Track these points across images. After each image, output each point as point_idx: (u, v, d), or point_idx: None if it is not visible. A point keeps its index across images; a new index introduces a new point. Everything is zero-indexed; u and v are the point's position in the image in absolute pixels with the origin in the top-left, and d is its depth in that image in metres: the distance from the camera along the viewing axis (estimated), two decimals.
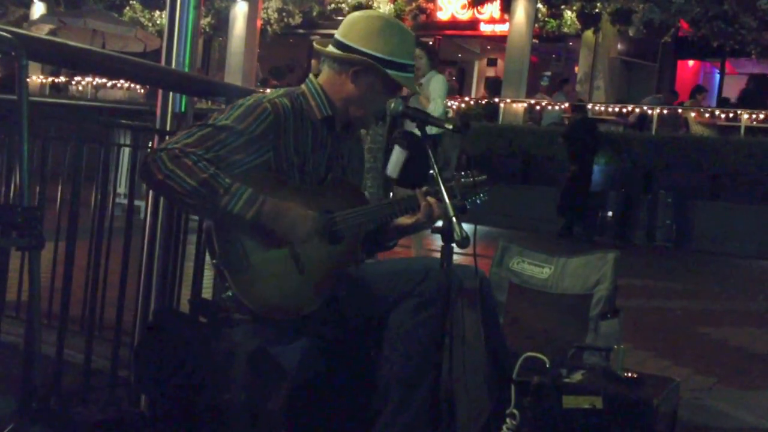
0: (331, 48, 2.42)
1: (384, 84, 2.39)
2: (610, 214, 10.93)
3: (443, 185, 2.12)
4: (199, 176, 2.12)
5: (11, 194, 2.29)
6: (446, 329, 2.08)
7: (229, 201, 2.13)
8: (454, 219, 2.01)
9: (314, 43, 2.51)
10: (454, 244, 2.02)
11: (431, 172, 2.18)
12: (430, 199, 2.41)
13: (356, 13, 2.48)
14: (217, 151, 2.19)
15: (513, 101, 15.06)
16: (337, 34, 2.42)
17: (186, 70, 2.94)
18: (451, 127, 2.44)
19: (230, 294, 2.26)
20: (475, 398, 2.29)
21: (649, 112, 13.50)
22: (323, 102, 2.41)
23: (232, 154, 2.21)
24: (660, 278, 7.95)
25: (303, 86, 2.46)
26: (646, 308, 5.91)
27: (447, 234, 2.00)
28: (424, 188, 2.45)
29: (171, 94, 2.94)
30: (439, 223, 2.09)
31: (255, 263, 2.23)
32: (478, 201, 2.54)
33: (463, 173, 2.58)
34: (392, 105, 2.31)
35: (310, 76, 2.48)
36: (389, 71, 2.35)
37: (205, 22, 18.51)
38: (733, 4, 12.94)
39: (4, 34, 2.04)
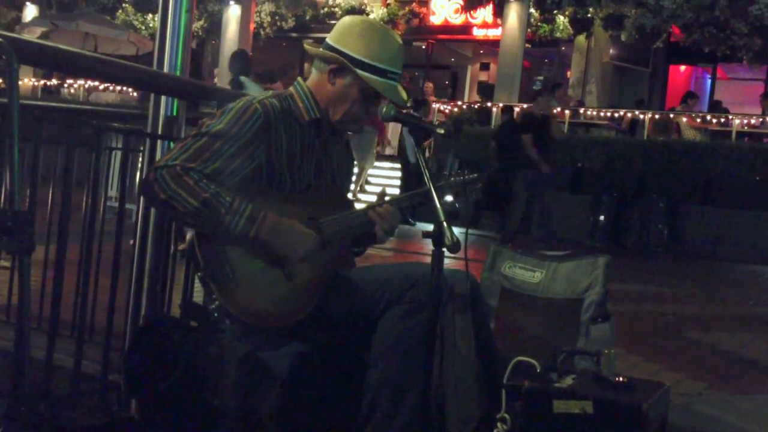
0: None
1: (360, 88, 2.37)
2: (602, 218, 10.96)
3: (433, 188, 2.12)
4: (201, 196, 2.14)
5: (1, 198, 2.28)
6: (437, 334, 2.08)
7: (231, 220, 2.15)
8: (444, 224, 2.01)
9: (305, 44, 2.52)
10: (445, 249, 2.02)
11: (425, 177, 2.18)
12: (378, 209, 2.42)
13: (348, 17, 2.50)
14: (215, 162, 2.20)
15: (506, 105, 15.07)
16: (328, 36, 2.44)
17: (178, 73, 2.94)
18: (442, 132, 2.45)
19: (217, 305, 2.26)
20: (466, 403, 2.29)
21: (641, 117, 13.54)
22: (311, 104, 2.41)
23: (229, 163, 2.22)
24: (651, 283, 7.97)
25: (291, 88, 2.46)
26: (637, 313, 5.93)
27: (438, 239, 2.00)
28: (377, 200, 2.47)
29: (163, 97, 2.94)
30: (430, 228, 2.09)
31: (240, 273, 2.23)
32: (469, 199, 2.54)
33: (453, 172, 2.59)
34: (384, 109, 2.31)
35: (299, 78, 2.48)
36: (362, 72, 2.34)
37: (197, 25, 18.51)
38: (724, 9, 13.00)
39: None
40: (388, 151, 14.60)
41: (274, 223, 2.21)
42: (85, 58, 2.81)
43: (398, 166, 12.83)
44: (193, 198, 2.13)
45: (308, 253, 2.28)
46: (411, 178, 11.36)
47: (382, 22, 2.60)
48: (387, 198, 2.51)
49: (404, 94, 2.44)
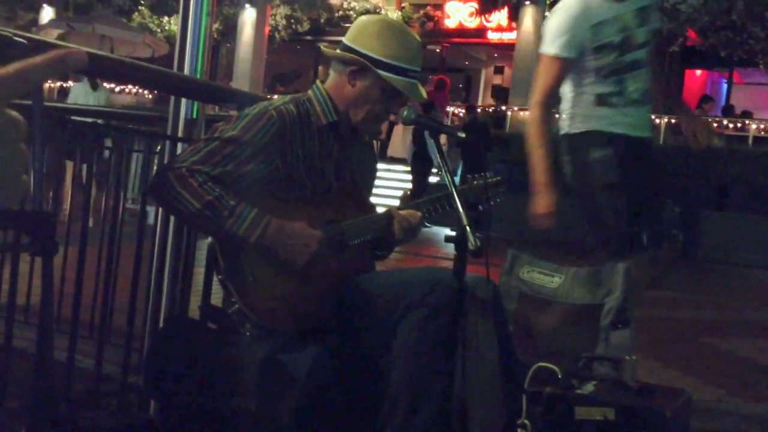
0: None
1: (381, 88, 2.37)
2: None
3: (456, 192, 2.10)
4: (204, 198, 2.13)
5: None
6: (459, 339, 2.07)
7: (233, 223, 2.14)
8: (468, 228, 1.99)
9: (321, 46, 2.51)
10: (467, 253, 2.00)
11: (445, 180, 2.17)
12: (400, 212, 2.41)
13: (364, 17, 2.49)
14: (225, 166, 2.19)
15: (520, 109, 15.06)
16: (344, 37, 2.44)
17: (198, 76, 2.95)
18: (463, 135, 2.43)
19: (237, 308, 2.26)
20: (490, 409, 2.28)
21: (657, 121, 13.47)
22: (328, 107, 2.41)
23: (240, 167, 2.21)
24: (667, 288, 7.92)
25: (309, 92, 2.46)
26: (653, 318, 5.89)
27: (461, 243, 1.99)
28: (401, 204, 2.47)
29: (183, 100, 2.95)
30: (453, 232, 2.07)
31: (260, 276, 2.23)
32: (492, 203, 2.53)
33: (476, 175, 2.57)
34: (405, 113, 2.30)
35: (317, 81, 2.48)
36: (383, 72, 2.33)
37: (213, 28, 18.55)
38: (741, 14, 12.94)
39: (20, 39, 2.04)
40: (399, 153, 14.62)
41: (278, 228, 2.20)
42: (110, 60, 2.83)
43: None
44: (195, 200, 2.13)
45: (315, 256, 2.26)
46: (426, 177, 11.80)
47: (398, 21, 2.58)
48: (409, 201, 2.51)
49: (424, 93, 2.43)
